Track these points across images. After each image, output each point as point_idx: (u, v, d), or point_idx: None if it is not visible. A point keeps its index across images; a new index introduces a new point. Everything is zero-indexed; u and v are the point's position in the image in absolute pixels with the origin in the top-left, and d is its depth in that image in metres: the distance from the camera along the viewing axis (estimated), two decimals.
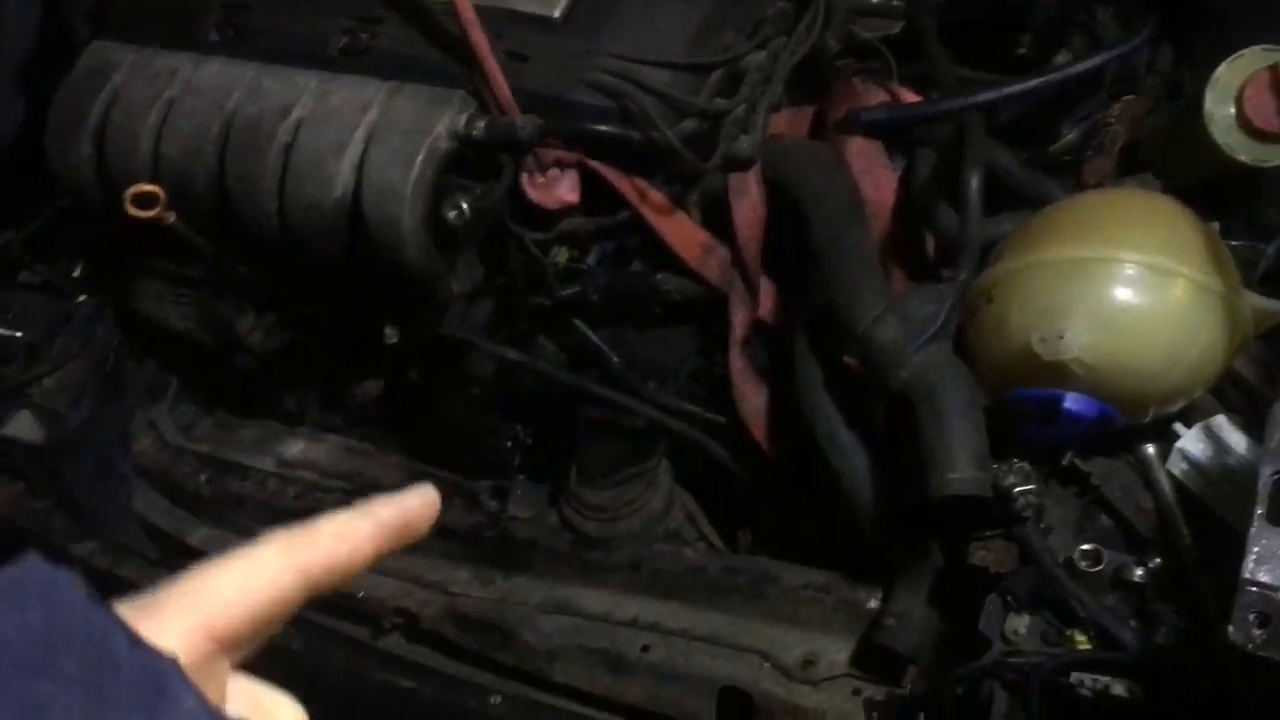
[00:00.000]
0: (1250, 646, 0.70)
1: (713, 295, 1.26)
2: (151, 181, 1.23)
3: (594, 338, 1.32)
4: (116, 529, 1.47)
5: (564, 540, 1.35)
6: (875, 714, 1.11)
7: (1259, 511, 0.73)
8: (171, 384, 1.57)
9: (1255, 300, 0.93)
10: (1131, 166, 1.16)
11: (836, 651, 1.19)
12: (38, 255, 1.56)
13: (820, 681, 1.17)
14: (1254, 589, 0.71)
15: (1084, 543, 0.97)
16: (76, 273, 1.57)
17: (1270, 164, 0.99)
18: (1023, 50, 1.39)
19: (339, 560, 0.45)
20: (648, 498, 1.36)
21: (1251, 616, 0.71)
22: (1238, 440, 0.93)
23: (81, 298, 1.53)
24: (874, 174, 1.20)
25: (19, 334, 1.52)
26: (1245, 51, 0.99)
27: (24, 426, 1.45)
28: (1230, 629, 0.71)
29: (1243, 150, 0.98)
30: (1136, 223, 0.94)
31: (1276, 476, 0.74)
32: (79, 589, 0.37)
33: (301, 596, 0.44)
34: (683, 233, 1.24)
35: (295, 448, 1.53)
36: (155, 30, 1.31)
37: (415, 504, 0.48)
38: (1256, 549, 0.72)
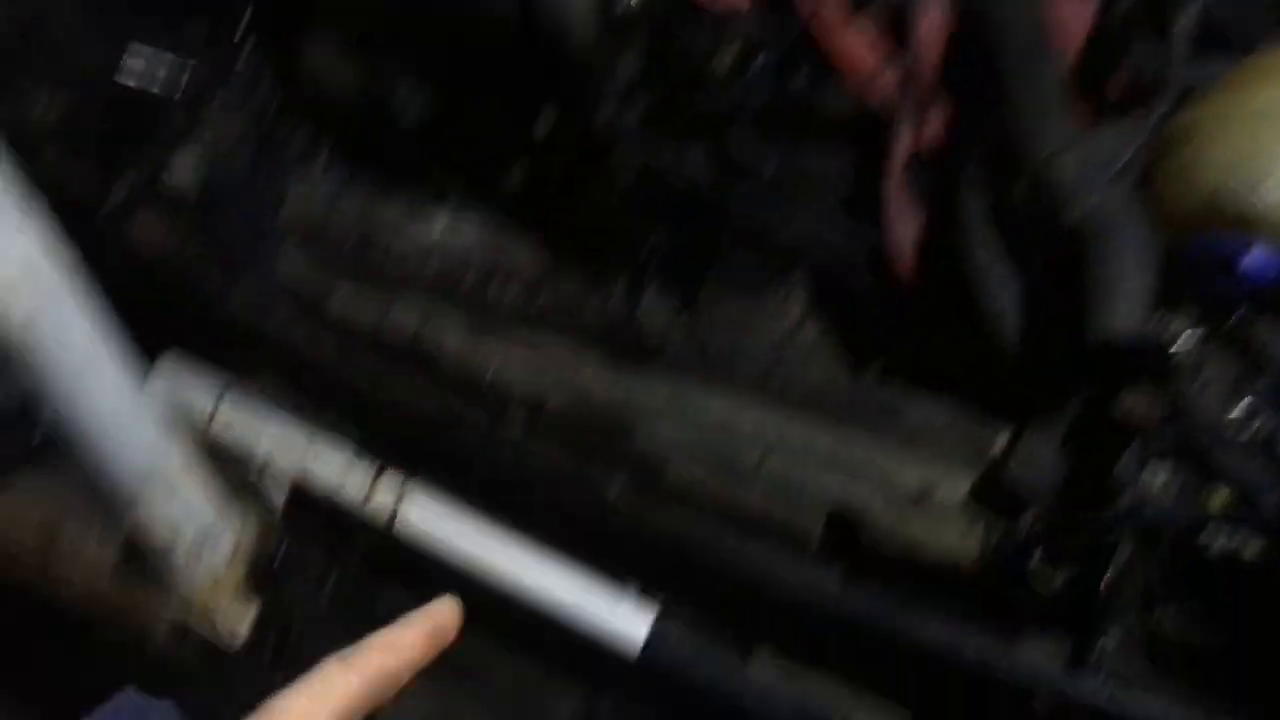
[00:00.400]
0: None
1: (879, 115, 1.22)
2: None
3: (749, 149, 1.30)
4: (262, 282, 1.52)
5: (693, 346, 1.36)
6: (988, 550, 1.11)
7: None
8: (325, 149, 1.60)
9: None
10: None
11: (955, 485, 1.19)
12: (204, 11, 1.57)
13: (935, 512, 1.18)
14: None
15: (1240, 403, 0.95)
16: (240, 31, 1.58)
17: None
18: None
19: (389, 671, 0.53)
20: (780, 316, 1.36)
21: None
22: None
23: (244, 55, 1.55)
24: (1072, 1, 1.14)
25: (188, 80, 1.55)
26: None
27: (183, 172, 1.50)
28: None
29: None
30: None
31: None
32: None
33: (365, 706, 0.50)
34: (857, 47, 1.20)
35: (439, 224, 1.55)
36: None
37: (444, 613, 0.58)
38: None
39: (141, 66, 1.56)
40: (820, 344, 1.38)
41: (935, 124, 1.20)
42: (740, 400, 1.33)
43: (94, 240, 1.48)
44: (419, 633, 0.56)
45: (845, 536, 1.22)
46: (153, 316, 1.45)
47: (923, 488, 1.21)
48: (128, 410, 1.01)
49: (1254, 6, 1.08)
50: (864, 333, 1.37)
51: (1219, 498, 0.93)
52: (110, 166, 1.54)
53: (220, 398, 1.19)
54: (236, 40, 1.53)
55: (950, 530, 1.17)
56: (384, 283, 1.52)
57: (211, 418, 1.18)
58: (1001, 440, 1.16)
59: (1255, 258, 0.90)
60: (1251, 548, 0.90)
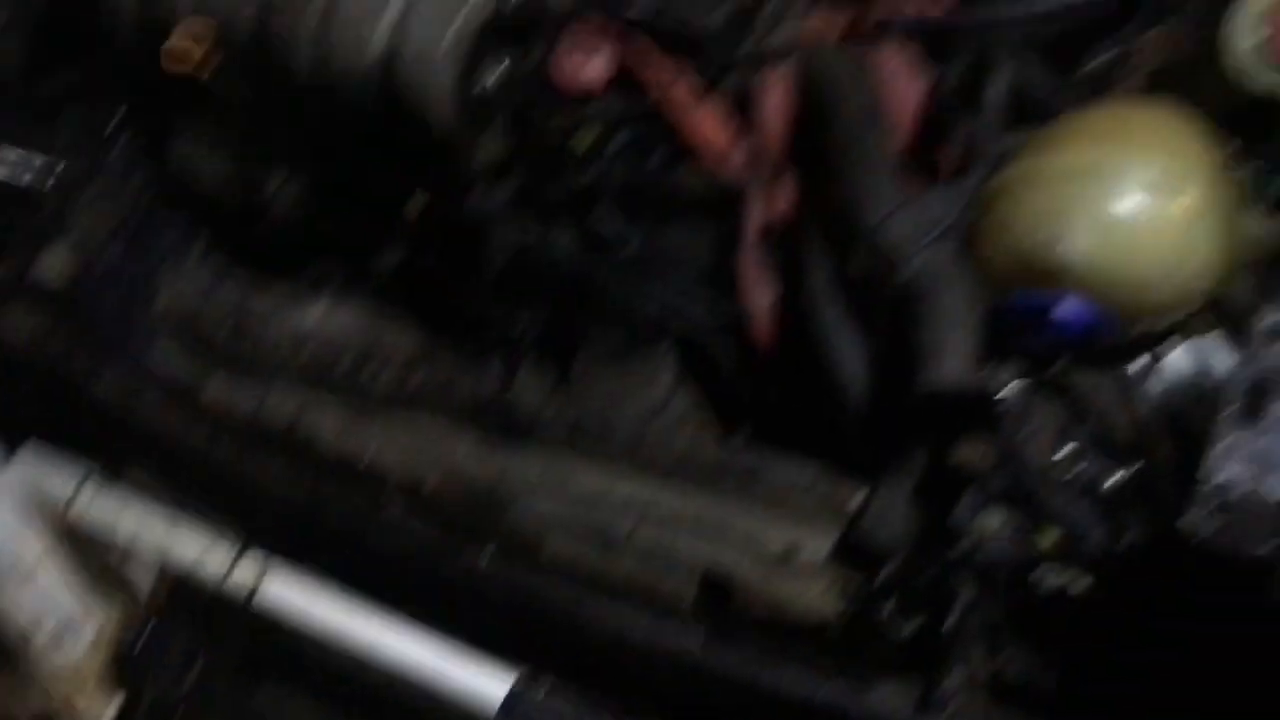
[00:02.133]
0: (1199, 538, 0.73)
1: (731, 191, 1.28)
2: (190, 36, 1.26)
3: (609, 226, 1.35)
4: (134, 374, 1.52)
5: (565, 420, 1.38)
6: (849, 603, 1.14)
7: (1229, 409, 0.76)
8: (199, 241, 1.61)
9: (1256, 225, 0.95)
10: (1159, 93, 1.17)
11: (818, 543, 1.22)
12: (79, 103, 1.59)
13: (800, 571, 1.21)
14: (1212, 483, 0.74)
15: (1064, 449, 1.00)
16: (112, 124, 1.60)
17: None
18: None
19: None
20: (649, 387, 1.40)
21: (1203, 510, 0.74)
22: (1223, 359, 0.95)
23: (116, 148, 1.56)
24: (902, 81, 1.21)
25: (58, 177, 1.56)
26: None
27: (55, 263, 1.50)
28: (1182, 520, 0.74)
29: (1261, 77, 0.99)
30: (1143, 135, 0.96)
31: (1250, 379, 0.76)
32: None
33: None
34: (707, 125, 1.26)
35: (315, 311, 1.57)
36: None
37: None
38: (1220, 444, 0.75)
39: (11, 162, 1.56)
40: (688, 412, 1.42)
41: (784, 197, 1.26)
42: (612, 471, 1.36)
43: None
44: None
45: (716, 599, 1.24)
46: (21, 407, 1.45)
47: (788, 548, 1.24)
48: None
49: (1055, 81, 1.16)
50: (729, 399, 1.41)
51: (1049, 538, 0.98)
52: None
53: (81, 485, 1.18)
54: (108, 134, 1.54)
55: (813, 588, 1.20)
56: (260, 370, 1.53)
57: (71, 504, 1.17)
58: (858, 497, 1.20)
59: (1066, 309, 0.96)
60: (1079, 584, 0.94)
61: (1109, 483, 0.98)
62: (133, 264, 1.53)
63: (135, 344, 1.51)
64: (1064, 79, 1.19)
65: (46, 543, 1.03)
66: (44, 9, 1.62)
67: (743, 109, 1.26)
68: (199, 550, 1.12)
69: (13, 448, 1.21)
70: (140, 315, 1.54)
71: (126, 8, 1.33)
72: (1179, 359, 0.98)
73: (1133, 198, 0.93)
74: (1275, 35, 0.98)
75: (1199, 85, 1.10)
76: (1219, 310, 0.98)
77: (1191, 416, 0.96)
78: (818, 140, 1.19)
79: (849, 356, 1.16)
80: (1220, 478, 0.75)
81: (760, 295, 1.28)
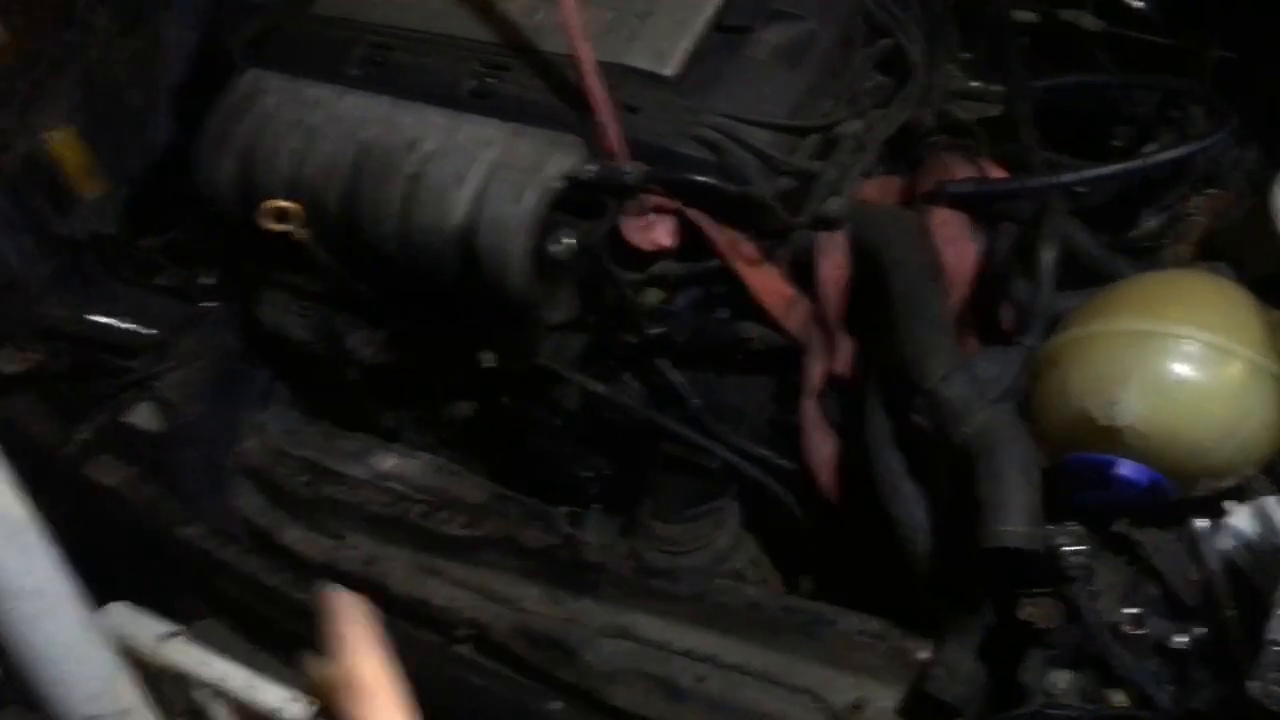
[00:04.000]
0: (1270, 702, 0.74)
1: (792, 346, 1.32)
2: (287, 200, 1.35)
3: (676, 378, 1.40)
4: (217, 519, 1.58)
5: (632, 569, 1.41)
6: None
7: None
8: (282, 391, 1.69)
9: None
10: (1210, 256, 1.20)
11: (885, 698, 1.23)
12: (174, 261, 1.69)
13: None
14: (1277, 648, 0.75)
15: (1130, 608, 1.01)
16: (207, 280, 1.70)
17: None
18: (1118, 142, 1.46)
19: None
20: (715, 535, 1.42)
21: (1272, 674, 0.74)
22: None
23: (209, 303, 1.65)
24: (956, 244, 1.26)
25: (149, 331, 1.65)
26: None
27: (144, 416, 1.57)
28: (1252, 684, 0.75)
29: None
30: (1197, 302, 0.99)
31: None
32: None
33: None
34: (769, 284, 1.31)
35: (389, 461, 1.63)
36: (304, 62, 1.44)
37: (345, 602, 0.65)
38: None
39: (110, 317, 1.66)
40: (753, 561, 1.44)
41: (843, 354, 1.30)
42: (678, 621, 1.38)
43: (57, 480, 1.55)
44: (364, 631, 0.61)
45: None
46: (110, 552, 1.50)
47: (855, 702, 1.24)
48: (80, 641, 1.05)
49: (1106, 244, 1.20)
50: (793, 549, 1.43)
51: (1119, 698, 0.98)
52: (75, 410, 1.62)
53: (166, 638, 1.22)
54: (201, 291, 1.63)
55: None
56: (335, 517, 1.58)
57: (156, 655, 1.21)
58: (925, 651, 1.21)
59: (1126, 469, 0.98)
60: None
61: (1176, 642, 0.98)
62: (219, 415, 1.60)
63: (218, 492, 1.57)
64: (1115, 240, 1.23)
65: (135, 684, 1.07)
66: (143, 174, 1.74)
67: (803, 269, 1.32)
68: (280, 700, 1.15)
69: (102, 593, 1.26)
70: (223, 465, 1.60)
71: (226, 178, 1.43)
72: (1242, 519, 0.99)
73: (1188, 363, 0.95)
74: None
75: (1250, 248, 1.14)
76: (1275, 473, 1.00)
77: (1256, 577, 0.97)
78: (877, 297, 1.24)
79: (911, 509, 1.18)
80: None
81: (821, 446, 1.31)
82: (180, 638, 1.19)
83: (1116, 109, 1.45)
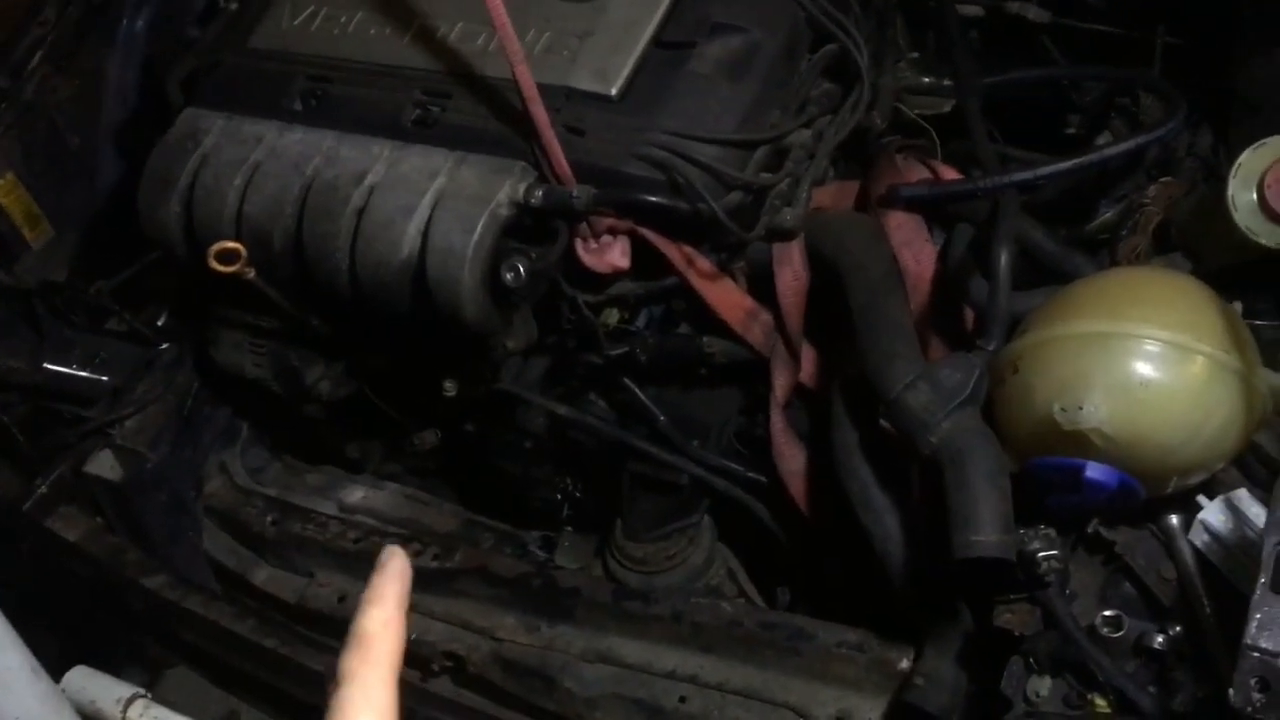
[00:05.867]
0: (1250, 710, 0.73)
1: (756, 359, 1.31)
2: (234, 239, 1.32)
3: (641, 396, 1.38)
4: (185, 564, 1.55)
5: (607, 591, 1.39)
6: None
7: (1263, 579, 0.76)
8: (243, 429, 1.66)
9: (1275, 379, 0.96)
10: (1165, 247, 1.19)
11: (868, 710, 1.22)
12: (125, 305, 1.66)
13: None
14: (1255, 654, 0.74)
15: (1107, 609, 1.00)
16: (160, 322, 1.67)
17: None
18: (1072, 130, 1.45)
19: (398, 642, 0.59)
20: (689, 553, 1.41)
21: (1253, 681, 0.74)
22: (1258, 513, 0.95)
23: (164, 345, 1.63)
24: (913, 247, 1.25)
25: (105, 378, 1.63)
26: (1268, 140, 1.03)
27: (105, 464, 1.54)
28: (1231, 692, 0.74)
29: (1264, 234, 1.02)
30: (1158, 301, 0.98)
31: (1279, 546, 0.77)
32: None
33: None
34: (728, 298, 1.30)
35: (356, 494, 1.60)
36: (244, 99, 1.41)
37: (398, 563, 0.61)
38: (1259, 615, 0.75)
39: (64, 366, 1.63)
40: (729, 576, 1.43)
41: (807, 364, 1.29)
42: (657, 641, 1.36)
43: (18, 534, 1.52)
44: (396, 595, 0.60)
45: None
46: (76, 603, 1.48)
47: (838, 714, 1.23)
48: (41, 717, 1.03)
49: (1077, 241, 1.20)
50: (769, 561, 1.42)
51: (1101, 703, 0.97)
52: (33, 463, 1.59)
53: (129, 701, 1.20)
54: (154, 334, 1.61)
55: None
56: (305, 555, 1.55)
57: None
58: (906, 660, 1.20)
59: (1095, 471, 0.97)
60: None
61: (1155, 643, 0.97)
62: (180, 459, 1.57)
63: (183, 537, 1.54)
64: (1072, 234, 1.22)
65: None
66: (89, 218, 1.71)
67: (762, 281, 1.30)
68: None
69: (69, 647, 1.24)
70: (188, 508, 1.57)
71: (171, 220, 1.40)
72: (1213, 513, 0.98)
73: (1150, 363, 0.95)
74: (1272, 192, 1.01)
75: (1206, 240, 1.13)
76: (1245, 466, 0.99)
77: (1230, 572, 0.96)
78: (837, 306, 1.22)
79: (883, 519, 1.17)
80: (1261, 647, 0.75)
81: (791, 458, 1.30)
82: (142, 700, 1.17)
83: (1067, 99, 1.45)
